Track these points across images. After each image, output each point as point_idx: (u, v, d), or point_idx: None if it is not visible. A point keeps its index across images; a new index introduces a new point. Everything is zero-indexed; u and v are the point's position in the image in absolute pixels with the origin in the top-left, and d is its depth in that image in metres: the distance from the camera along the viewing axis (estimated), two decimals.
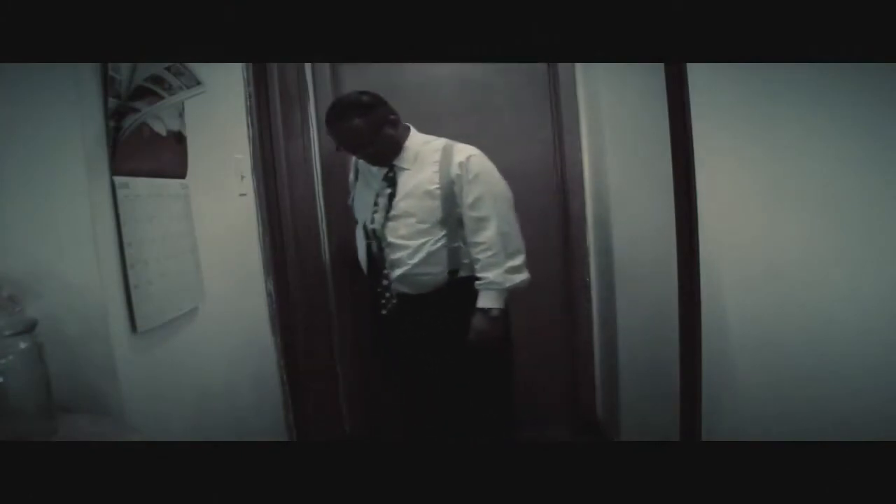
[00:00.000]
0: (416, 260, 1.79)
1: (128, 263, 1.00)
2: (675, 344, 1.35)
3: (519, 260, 1.78)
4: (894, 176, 1.14)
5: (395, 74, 2.30)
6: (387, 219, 1.82)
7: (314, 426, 1.96)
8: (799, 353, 1.22)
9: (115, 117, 0.99)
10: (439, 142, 1.85)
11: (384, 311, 1.87)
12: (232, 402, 1.43)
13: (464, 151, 1.80)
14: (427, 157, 1.82)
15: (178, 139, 1.22)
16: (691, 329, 1.28)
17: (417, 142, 1.85)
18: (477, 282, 1.77)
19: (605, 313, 2.29)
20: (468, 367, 1.82)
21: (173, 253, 1.16)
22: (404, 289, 1.84)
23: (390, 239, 1.82)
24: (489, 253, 1.75)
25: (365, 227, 1.90)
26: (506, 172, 1.85)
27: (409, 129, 1.88)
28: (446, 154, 1.80)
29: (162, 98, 1.05)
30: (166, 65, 1.03)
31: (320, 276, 2.30)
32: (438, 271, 1.81)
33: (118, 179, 0.99)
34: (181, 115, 1.22)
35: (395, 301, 1.86)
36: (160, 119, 1.14)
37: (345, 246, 2.22)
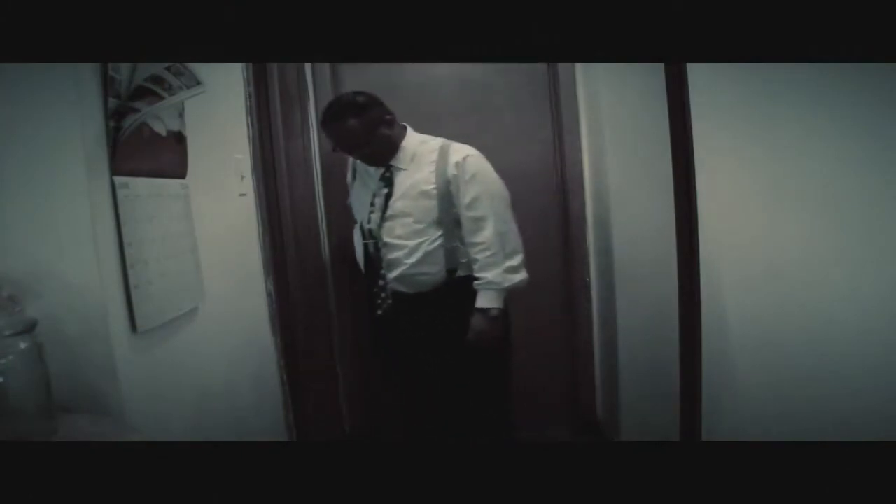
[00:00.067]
0: (413, 260, 1.79)
1: (128, 263, 1.00)
2: (675, 344, 1.36)
3: (517, 259, 1.78)
4: (894, 176, 1.14)
5: (395, 74, 2.30)
6: (383, 219, 1.82)
7: (314, 426, 1.96)
8: (799, 353, 1.22)
9: (115, 117, 0.99)
10: (436, 141, 1.85)
11: (379, 312, 1.88)
12: (232, 402, 1.43)
13: (460, 151, 1.80)
14: (424, 157, 1.82)
15: (178, 139, 1.22)
16: (691, 329, 1.28)
17: (414, 142, 1.85)
18: (475, 282, 1.77)
19: (605, 313, 2.29)
20: (467, 367, 1.82)
21: (173, 253, 1.16)
22: (402, 288, 1.84)
23: (387, 239, 1.82)
24: (487, 253, 1.75)
25: (362, 227, 1.90)
26: (506, 172, 1.85)
27: (405, 128, 1.88)
28: (443, 154, 1.80)
29: (162, 98, 1.05)
30: (166, 65, 1.03)
31: (320, 276, 2.30)
32: (436, 271, 1.81)
33: (118, 179, 0.99)
34: (181, 115, 1.22)
35: (390, 301, 1.86)
36: (160, 119, 1.14)
37: (344, 246, 2.22)
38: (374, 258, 1.86)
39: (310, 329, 2.06)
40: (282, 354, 1.78)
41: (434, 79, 2.36)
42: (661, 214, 1.39)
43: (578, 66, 2.28)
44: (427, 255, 1.79)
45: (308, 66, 2.28)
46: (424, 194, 1.78)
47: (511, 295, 1.81)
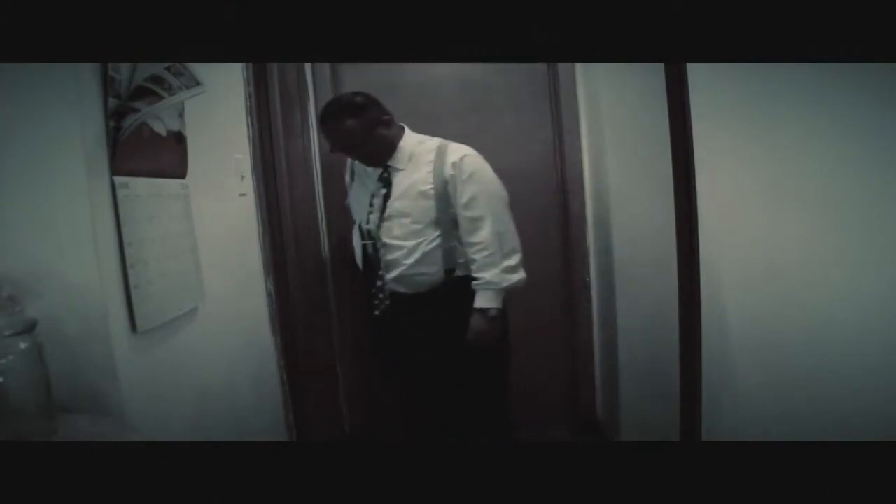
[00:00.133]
0: (411, 260, 1.79)
1: (128, 263, 1.00)
2: (675, 344, 1.36)
3: (515, 259, 1.78)
4: (894, 176, 1.14)
5: (395, 74, 2.30)
6: (382, 219, 1.82)
7: (314, 426, 1.96)
8: (799, 353, 1.22)
9: (115, 117, 0.99)
10: (434, 142, 1.85)
11: (378, 312, 1.88)
12: (232, 402, 1.43)
13: (458, 151, 1.79)
14: (421, 157, 1.82)
15: (178, 139, 1.22)
16: (691, 329, 1.28)
17: (412, 142, 1.85)
18: (474, 282, 1.77)
19: (605, 313, 2.29)
20: (467, 367, 1.82)
21: (173, 253, 1.16)
22: (401, 289, 1.84)
23: (385, 239, 1.82)
24: (485, 253, 1.75)
25: (361, 228, 1.90)
26: (506, 172, 1.85)
27: (403, 129, 1.88)
28: (440, 154, 1.80)
29: (162, 98, 1.05)
30: (166, 65, 1.03)
31: (320, 275, 2.30)
32: (434, 271, 1.81)
33: (118, 179, 0.99)
34: (181, 115, 1.22)
35: (388, 302, 1.86)
36: (160, 119, 1.14)
37: (344, 246, 2.22)
38: (373, 259, 1.86)
39: (310, 329, 2.06)
40: (282, 354, 1.78)
41: (434, 79, 2.36)
42: (661, 214, 1.39)
43: (578, 66, 2.28)
44: (425, 255, 1.79)
45: (308, 66, 2.28)
46: (422, 194, 1.78)
47: (511, 295, 1.81)
